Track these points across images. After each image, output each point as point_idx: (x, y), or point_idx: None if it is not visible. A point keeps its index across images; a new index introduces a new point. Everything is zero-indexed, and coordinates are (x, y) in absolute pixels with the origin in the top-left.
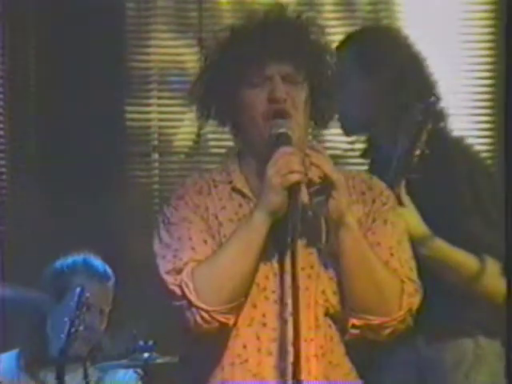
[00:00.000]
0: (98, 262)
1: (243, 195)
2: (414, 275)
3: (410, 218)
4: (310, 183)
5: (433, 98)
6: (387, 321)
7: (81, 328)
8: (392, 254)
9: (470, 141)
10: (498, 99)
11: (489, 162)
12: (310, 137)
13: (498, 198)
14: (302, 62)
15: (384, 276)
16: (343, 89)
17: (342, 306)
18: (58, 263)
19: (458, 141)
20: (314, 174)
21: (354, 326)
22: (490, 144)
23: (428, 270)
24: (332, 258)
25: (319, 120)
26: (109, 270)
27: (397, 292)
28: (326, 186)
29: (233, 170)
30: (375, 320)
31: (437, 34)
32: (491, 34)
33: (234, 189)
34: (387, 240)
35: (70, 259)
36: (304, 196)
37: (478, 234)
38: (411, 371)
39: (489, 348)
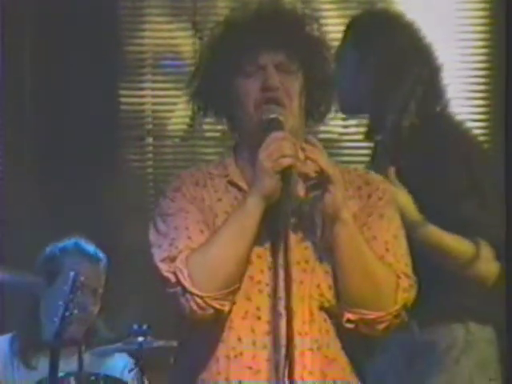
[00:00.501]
0: (88, 245)
1: (239, 188)
2: (410, 270)
3: (402, 201)
4: (306, 177)
5: (422, 70)
6: (382, 315)
7: (75, 311)
8: (387, 249)
9: (467, 125)
10: (496, 83)
11: (486, 146)
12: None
13: (495, 182)
14: (295, 52)
15: (379, 271)
16: (342, 69)
17: (337, 300)
18: (50, 247)
19: (456, 125)
20: (310, 168)
21: (348, 321)
22: (487, 128)
23: (420, 255)
24: (327, 252)
25: (315, 112)
26: (100, 253)
27: (392, 287)
28: (322, 181)
29: (229, 164)
30: (370, 315)
31: (433, 18)
32: (489, 17)
33: (230, 182)
34: (383, 234)
35: (61, 243)
36: (300, 190)
37: (474, 218)
38: (406, 354)
39: (479, 334)
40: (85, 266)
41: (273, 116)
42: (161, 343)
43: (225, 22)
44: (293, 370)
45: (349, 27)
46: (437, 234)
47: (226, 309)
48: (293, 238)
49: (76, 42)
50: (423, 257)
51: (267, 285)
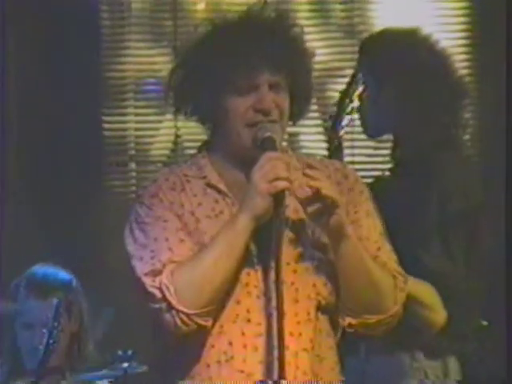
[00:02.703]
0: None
1: (218, 191)
2: (400, 268)
3: None
4: (305, 202)
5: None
6: (383, 318)
7: (59, 339)
8: (379, 248)
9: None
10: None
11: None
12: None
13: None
14: (286, 68)
15: (380, 276)
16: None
17: (333, 297)
18: (23, 275)
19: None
20: (305, 189)
21: (350, 325)
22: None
23: None
24: (319, 251)
25: (296, 119)
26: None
27: (391, 288)
28: (325, 205)
29: (204, 165)
30: (372, 318)
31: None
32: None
33: (208, 184)
34: (372, 234)
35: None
36: (291, 210)
37: (429, 263)
38: (358, 380)
39: (426, 362)
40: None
41: (267, 135)
42: (145, 369)
43: (215, 31)
44: (284, 371)
45: (361, 52)
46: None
47: (209, 324)
48: (283, 239)
49: (58, 67)
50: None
51: (255, 286)
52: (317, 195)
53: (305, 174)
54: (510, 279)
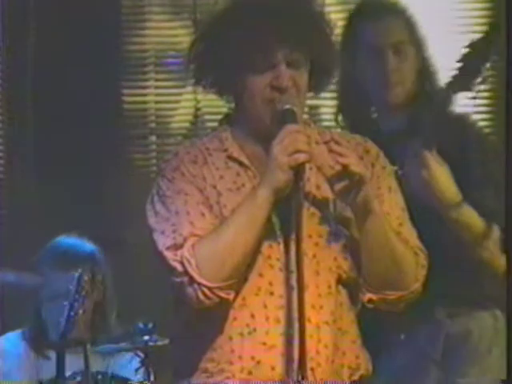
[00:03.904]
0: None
1: (240, 163)
2: (421, 244)
3: (445, 180)
4: (332, 177)
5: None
6: (404, 294)
7: (80, 312)
8: (401, 224)
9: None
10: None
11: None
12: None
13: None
14: (306, 44)
15: (402, 252)
16: None
17: (353, 271)
18: (46, 246)
19: (470, 125)
20: (329, 164)
21: (370, 301)
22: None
23: (445, 245)
24: (341, 225)
25: (317, 91)
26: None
27: (412, 265)
28: (352, 180)
29: (225, 138)
30: (392, 295)
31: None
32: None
33: (229, 157)
34: (394, 209)
35: (52, 244)
36: (314, 180)
37: (490, 205)
38: (435, 346)
39: (503, 321)
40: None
41: (287, 107)
42: (166, 341)
43: (235, 4)
44: (305, 344)
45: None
46: (472, 214)
47: (231, 297)
48: (305, 212)
49: (77, 42)
50: (448, 247)
51: (278, 259)
52: (344, 171)
53: (331, 151)
54: (510, 276)
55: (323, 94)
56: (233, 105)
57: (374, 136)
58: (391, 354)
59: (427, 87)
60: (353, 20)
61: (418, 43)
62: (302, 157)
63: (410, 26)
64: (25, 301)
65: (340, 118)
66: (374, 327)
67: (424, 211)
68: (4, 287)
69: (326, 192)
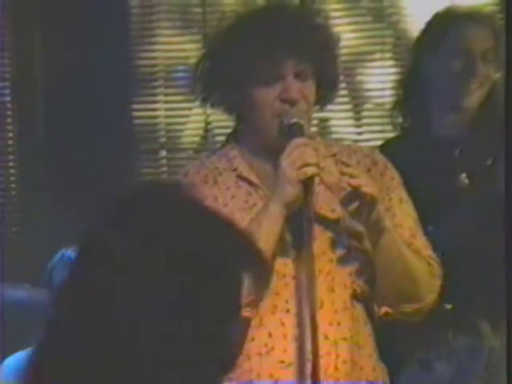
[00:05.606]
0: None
1: (250, 183)
2: (433, 254)
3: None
4: (346, 199)
5: None
6: (420, 306)
7: None
8: (413, 235)
9: None
10: None
11: None
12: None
13: None
14: (313, 56)
15: (416, 265)
16: None
17: (368, 286)
18: (52, 261)
19: None
20: (345, 184)
21: (387, 314)
22: None
23: (486, 258)
24: (354, 239)
25: (323, 104)
26: None
27: (427, 277)
28: (363, 200)
29: (233, 157)
30: (409, 307)
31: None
32: None
33: (239, 177)
34: (406, 220)
35: (62, 257)
36: (323, 196)
37: None
38: (477, 359)
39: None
40: None
41: (293, 121)
42: None
43: (239, 20)
44: (318, 360)
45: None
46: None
47: (253, 315)
48: (317, 228)
49: (87, 56)
50: (487, 257)
51: (293, 278)
52: (356, 192)
53: (343, 173)
54: (510, 279)
55: (330, 107)
56: (240, 122)
57: (426, 139)
58: (431, 368)
59: (493, 98)
60: (445, 22)
61: (499, 54)
62: (310, 170)
63: (497, 34)
64: (38, 317)
65: (395, 113)
66: (413, 342)
67: (489, 221)
68: (16, 304)
69: (336, 210)
